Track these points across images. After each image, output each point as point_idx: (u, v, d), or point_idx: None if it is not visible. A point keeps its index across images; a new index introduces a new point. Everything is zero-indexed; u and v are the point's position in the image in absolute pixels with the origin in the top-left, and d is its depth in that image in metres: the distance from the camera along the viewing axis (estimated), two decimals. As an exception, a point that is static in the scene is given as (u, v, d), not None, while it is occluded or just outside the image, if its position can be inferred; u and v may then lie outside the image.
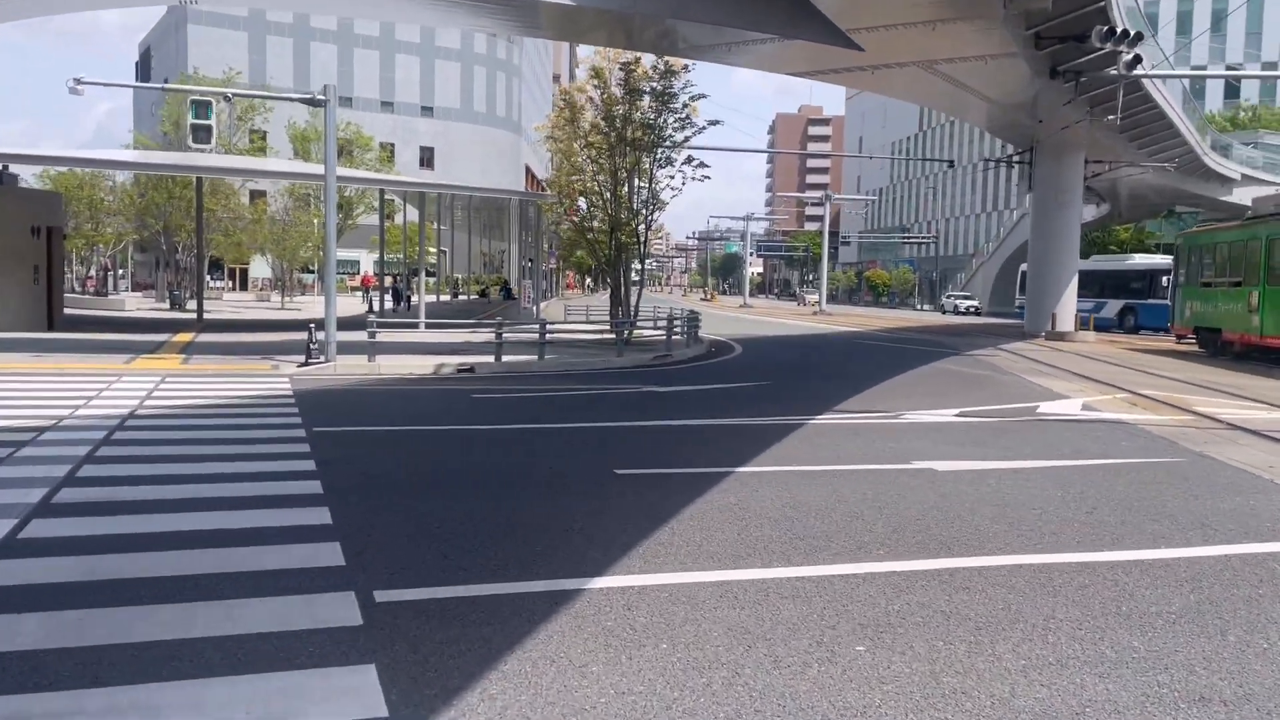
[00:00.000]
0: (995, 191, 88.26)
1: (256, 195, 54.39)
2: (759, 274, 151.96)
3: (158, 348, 20.89)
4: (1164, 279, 37.13)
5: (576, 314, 42.30)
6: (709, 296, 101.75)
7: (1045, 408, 14.25)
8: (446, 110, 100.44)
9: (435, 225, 46.72)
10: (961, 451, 10.16)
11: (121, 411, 11.59)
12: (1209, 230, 29.34)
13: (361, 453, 9.40)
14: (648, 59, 23.39)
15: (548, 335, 20.04)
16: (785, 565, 5.89)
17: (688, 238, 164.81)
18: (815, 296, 74.48)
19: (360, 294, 64.29)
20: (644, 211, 24.93)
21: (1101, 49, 23.94)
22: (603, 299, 61.73)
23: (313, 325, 17.61)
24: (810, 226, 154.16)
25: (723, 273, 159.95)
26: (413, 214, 53.56)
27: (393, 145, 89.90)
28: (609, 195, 24.54)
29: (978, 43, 22.91)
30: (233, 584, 5.23)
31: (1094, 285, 41.13)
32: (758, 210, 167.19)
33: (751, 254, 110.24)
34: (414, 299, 39.87)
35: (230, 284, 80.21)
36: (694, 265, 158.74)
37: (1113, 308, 40.94)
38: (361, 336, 19.77)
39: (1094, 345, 32.01)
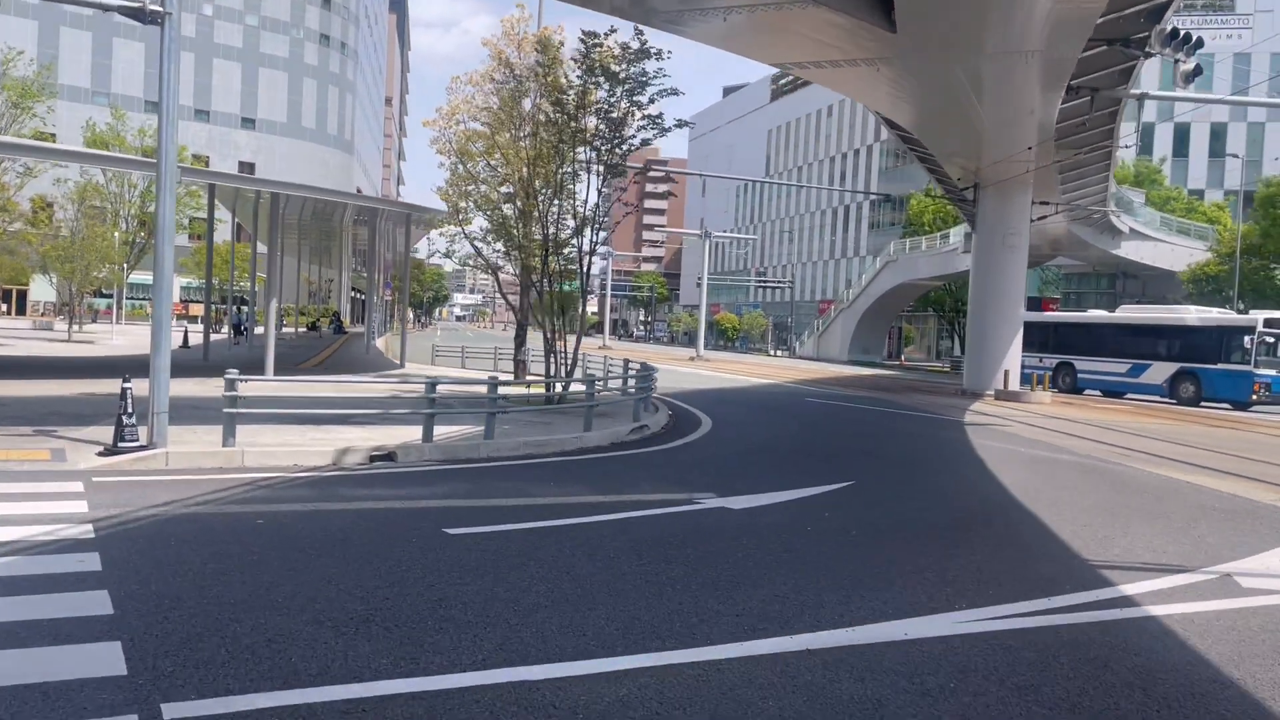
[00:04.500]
0: (845, 238, 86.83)
1: (39, 211, 44.83)
2: (594, 313, 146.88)
3: None
4: (1244, 339, 30.40)
5: (447, 356, 35.49)
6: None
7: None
8: (270, 123, 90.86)
9: (258, 247, 38.73)
10: None
11: None
12: None
13: None
14: (613, 36, 17.44)
15: (439, 390, 13.57)
16: None
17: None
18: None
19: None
20: (589, 231, 18.85)
21: (1151, 55, 19.87)
22: (482, 337, 54.97)
23: (128, 385, 10.55)
24: (647, 267, 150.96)
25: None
26: (228, 231, 45.73)
27: (208, 158, 79.91)
28: (541, 208, 18.33)
29: (1029, 34, 18.20)
30: None
31: (1127, 342, 34.38)
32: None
33: (594, 293, 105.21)
34: (254, 330, 32.44)
35: (3, 308, 68.28)
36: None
37: (1159, 372, 33.00)
38: (192, 390, 12.99)
39: (1057, 406, 28.18)
